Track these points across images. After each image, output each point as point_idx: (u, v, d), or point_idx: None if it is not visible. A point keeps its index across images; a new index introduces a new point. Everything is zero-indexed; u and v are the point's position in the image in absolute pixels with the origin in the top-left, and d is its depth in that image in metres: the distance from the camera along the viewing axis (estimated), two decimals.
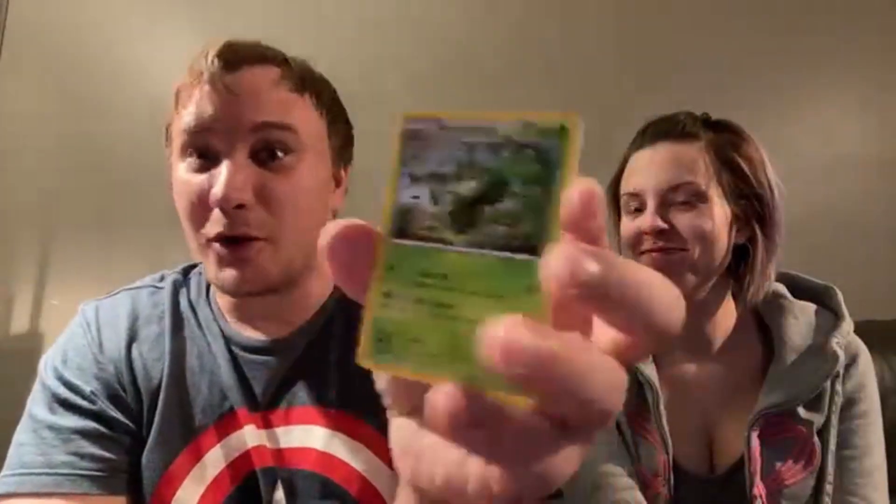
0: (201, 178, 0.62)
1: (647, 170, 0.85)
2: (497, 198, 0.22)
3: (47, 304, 1.61)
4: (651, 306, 0.20)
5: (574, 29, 1.72)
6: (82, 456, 0.61)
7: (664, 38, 1.70)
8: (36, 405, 0.64)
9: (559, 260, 0.19)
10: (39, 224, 1.64)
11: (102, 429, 0.63)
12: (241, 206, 0.60)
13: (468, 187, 0.23)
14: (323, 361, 0.68)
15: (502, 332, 0.19)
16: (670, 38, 1.70)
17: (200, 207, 0.61)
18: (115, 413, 0.64)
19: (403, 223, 0.24)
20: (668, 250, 0.82)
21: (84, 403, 0.63)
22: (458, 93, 1.67)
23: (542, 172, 0.22)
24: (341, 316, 0.71)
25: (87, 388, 0.64)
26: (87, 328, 0.68)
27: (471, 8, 1.73)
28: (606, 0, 1.73)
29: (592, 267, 0.19)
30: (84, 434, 0.62)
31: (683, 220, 0.82)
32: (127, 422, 0.65)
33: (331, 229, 0.23)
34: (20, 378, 1.52)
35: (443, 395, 0.21)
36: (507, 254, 0.22)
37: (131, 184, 1.64)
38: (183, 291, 0.72)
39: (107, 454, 0.62)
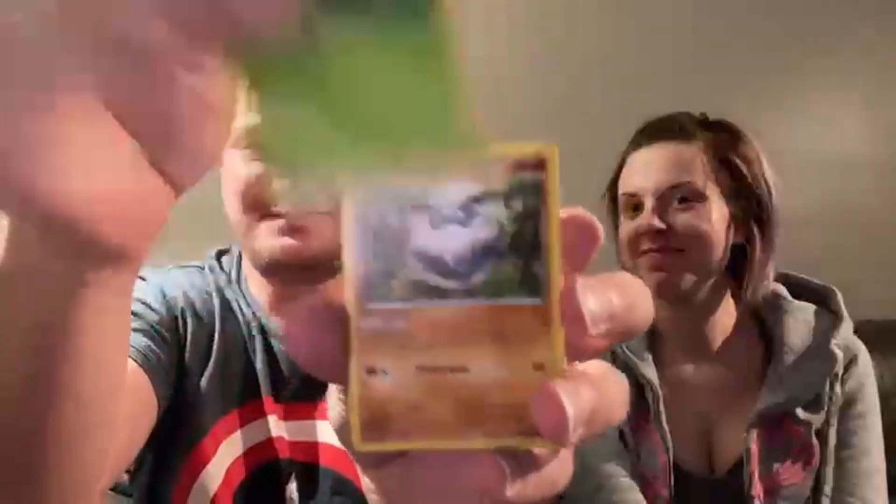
0: (262, 165, 0.65)
1: (645, 170, 0.85)
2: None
3: None
4: (637, 320, 0.21)
5: (574, 29, 1.72)
6: (137, 342, 0.60)
7: (664, 38, 1.70)
8: None
9: (584, 302, 0.19)
10: None
11: (160, 333, 0.63)
12: None
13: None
14: None
15: (555, 409, 0.19)
16: (670, 38, 1.70)
17: (259, 191, 0.64)
18: (169, 336, 0.65)
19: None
20: (666, 250, 0.82)
21: (151, 315, 0.64)
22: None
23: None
24: None
25: (152, 313, 0.64)
26: (146, 281, 0.69)
27: (470, 7, 1.73)
28: (606, 0, 1.73)
29: (616, 302, 0.20)
30: (142, 331, 0.62)
31: (681, 220, 0.82)
32: (176, 352, 0.65)
33: (291, 316, 0.21)
34: None
35: (491, 468, 0.21)
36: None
37: None
38: (221, 275, 0.74)
39: (159, 351, 0.62)
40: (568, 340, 0.20)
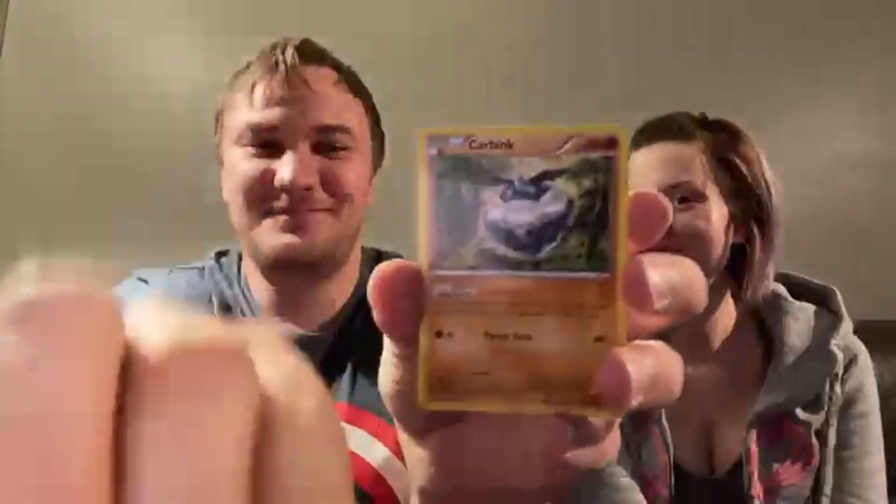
0: (264, 161, 0.66)
1: (644, 170, 0.85)
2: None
3: None
4: (695, 298, 0.22)
5: (573, 29, 1.72)
6: None
7: (664, 38, 1.70)
8: None
9: (646, 277, 0.20)
10: (39, 224, 1.64)
11: None
12: (308, 189, 0.65)
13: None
14: (345, 358, 0.70)
15: (620, 373, 0.20)
16: (670, 38, 1.70)
17: (262, 187, 0.65)
18: None
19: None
20: (665, 250, 0.82)
21: None
22: (459, 93, 1.67)
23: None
24: (362, 313, 0.73)
25: None
26: (147, 291, 0.70)
27: (470, 5, 1.73)
28: (606, 0, 1.73)
29: (677, 279, 0.21)
30: None
31: (681, 220, 0.82)
32: None
33: (379, 272, 0.22)
34: None
35: (557, 428, 0.22)
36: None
37: (132, 183, 1.64)
38: (220, 277, 0.75)
39: None
40: (632, 314, 0.21)
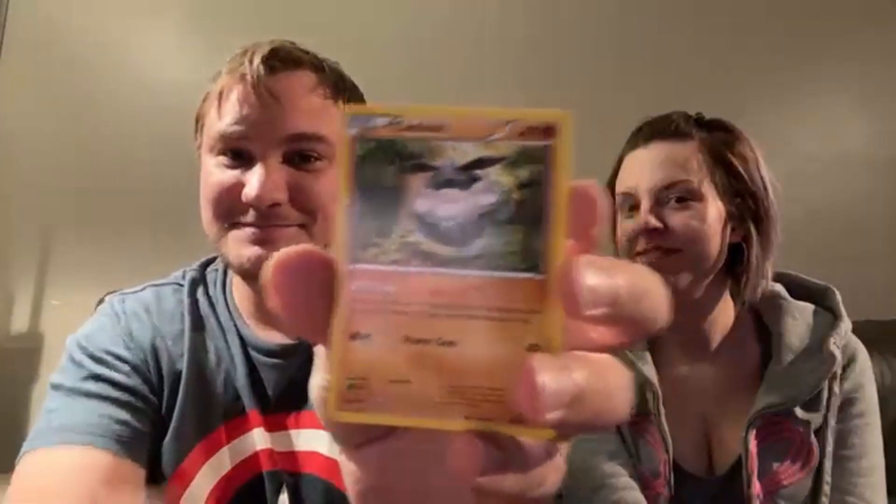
0: (234, 173, 0.63)
1: (641, 169, 0.85)
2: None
3: (47, 304, 1.61)
4: (650, 312, 0.19)
5: (572, 29, 1.72)
6: (113, 419, 0.60)
7: (663, 38, 1.70)
8: (66, 378, 0.63)
9: (581, 277, 0.18)
10: (39, 224, 1.64)
11: (133, 400, 0.63)
12: (275, 205, 0.62)
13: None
14: None
15: (530, 382, 0.17)
16: (669, 38, 1.70)
17: (230, 199, 0.63)
18: (145, 391, 0.64)
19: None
20: (662, 250, 0.82)
21: (117, 376, 0.63)
22: (450, 94, 1.67)
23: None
24: None
25: (120, 364, 0.64)
26: (117, 318, 0.68)
27: (467, 5, 1.73)
28: (605, 0, 1.73)
29: (623, 286, 0.18)
30: (115, 401, 0.62)
31: (677, 219, 0.82)
32: (155, 400, 0.65)
33: (276, 259, 0.20)
34: (20, 378, 1.53)
35: (467, 449, 0.19)
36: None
37: (131, 184, 1.64)
38: (201, 289, 0.73)
39: (136, 423, 0.62)
40: (580, 325, 0.19)
